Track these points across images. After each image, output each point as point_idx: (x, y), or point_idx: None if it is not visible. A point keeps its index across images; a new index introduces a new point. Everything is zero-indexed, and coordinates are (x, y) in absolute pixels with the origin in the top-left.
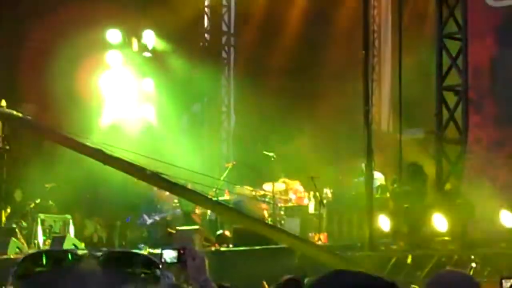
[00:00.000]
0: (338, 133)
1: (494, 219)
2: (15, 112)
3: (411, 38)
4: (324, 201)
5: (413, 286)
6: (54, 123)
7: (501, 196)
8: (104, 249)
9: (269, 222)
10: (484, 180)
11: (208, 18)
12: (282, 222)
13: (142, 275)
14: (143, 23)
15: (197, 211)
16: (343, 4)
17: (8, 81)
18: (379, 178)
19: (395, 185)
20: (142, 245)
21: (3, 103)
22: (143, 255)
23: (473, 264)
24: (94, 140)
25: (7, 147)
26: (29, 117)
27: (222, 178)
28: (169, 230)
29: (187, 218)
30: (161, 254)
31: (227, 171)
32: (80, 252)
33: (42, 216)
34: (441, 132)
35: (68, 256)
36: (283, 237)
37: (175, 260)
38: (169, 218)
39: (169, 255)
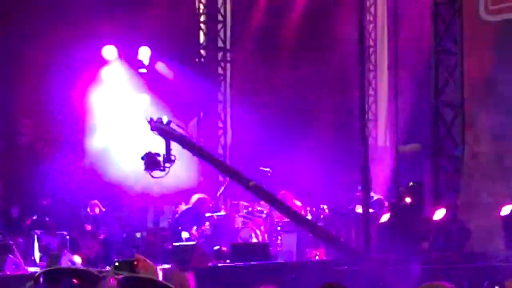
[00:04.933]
0: (335, 148)
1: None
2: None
3: (407, 53)
4: (321, 216)
5: None
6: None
7: (498, 209)
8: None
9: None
10: (481, 193)
11: (204, 34)
12: (279, 237)
13: None
14: (139, 39)
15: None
16: (339, 20)
17: (4, 96)
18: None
19: (393, 200)
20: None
21: (165, 119)
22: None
23: None
24: (91, 155)
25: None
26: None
27: (218, 194)
28: (166, 246)
29: None
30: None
31: (223, 187)
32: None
33: (38, 232)
34: (438, 147)
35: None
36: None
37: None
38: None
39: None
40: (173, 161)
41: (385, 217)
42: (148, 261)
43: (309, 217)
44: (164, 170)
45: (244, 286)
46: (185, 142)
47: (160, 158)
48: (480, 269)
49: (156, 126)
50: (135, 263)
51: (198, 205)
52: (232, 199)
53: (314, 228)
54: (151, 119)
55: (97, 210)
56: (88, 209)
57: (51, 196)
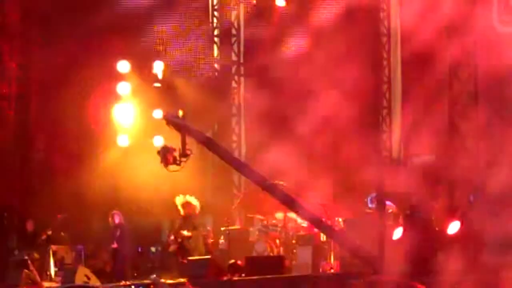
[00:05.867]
0: (349, 160)
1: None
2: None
3: (421, 63)
4: (336, 229)
5: None
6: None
7: None
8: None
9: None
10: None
11: (218, 48)
12: (294, 250)
13: None
14: (153, 53)
15: (210, 240)
16: (354, 31)
17: (19, 111)
18: (391, 206)
19: (408, 212)
20: (154, 276)
21: (180, 113)
22: None
23: None
24: (106, 169)
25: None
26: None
27: (233, 207)
28: (181, 260)
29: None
30: None
31: (238, 200)
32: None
33: (54, 247)
34: (452, 158)
35: None
36: None
37: None
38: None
39: None
40: (189, 155)
41: (397, 234)
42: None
43: None
44: (179, 164)
45: None
46: (200, 137)
47: (176, 153)
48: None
49: (172, 120)
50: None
51: (188, 210)
52: (247, 212)
53: (330, 231)
54: (167, 113)
55: (117, 220)
56: (110, 219)
57: (66, 210)
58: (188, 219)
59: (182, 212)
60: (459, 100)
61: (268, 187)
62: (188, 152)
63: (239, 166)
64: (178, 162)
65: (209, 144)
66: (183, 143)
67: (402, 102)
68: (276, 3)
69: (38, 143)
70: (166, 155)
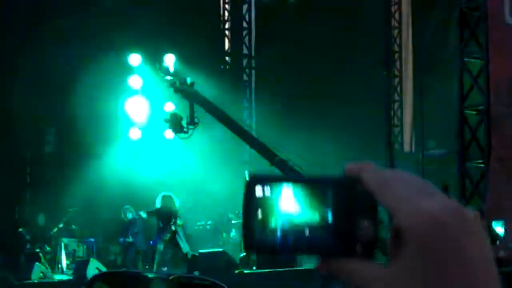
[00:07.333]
0: (361, 155)
1: None
2: (198, 93)
3: (432, 58)
4: None
5: None
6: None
7: None
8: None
9: None
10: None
11: (229, 41)
12: None
13: None
14: (164, 47)
15: None
16: (365, 26)
17: (30, 105)
18: None
19: None
20: (165, 268)
21: (189, 80)
22: (210, 281)
23: None
24: (116, 163)
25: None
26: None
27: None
28: (193, 253)
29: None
30: None
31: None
32: (149, 275)
33: (65, 240)
34: (464, 152)
35: (137, 277)
36: None
37: None
38: None
39: None
40: (197, 123)
41: None
42: None
43: None
44: (187, 132)
45: None
46: (208, 106)
47: (184, 122)
48: (506, 274)
49: (180, 87)
50: None
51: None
52: None
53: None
54: (175, 81)
55: (129, 215)
56: (122, 214)
57: (77, 203)
58: (165, 213)
59: (159, 204)
60: (470, 93)
61: (277, 163)
62: (196, 120)
63: (252, 142)
64: (186, 130)
65: (218, 113)
66: (191, 111)
67: (413, 95)
68: None
69: (48, 136)
70: (174, 122)
